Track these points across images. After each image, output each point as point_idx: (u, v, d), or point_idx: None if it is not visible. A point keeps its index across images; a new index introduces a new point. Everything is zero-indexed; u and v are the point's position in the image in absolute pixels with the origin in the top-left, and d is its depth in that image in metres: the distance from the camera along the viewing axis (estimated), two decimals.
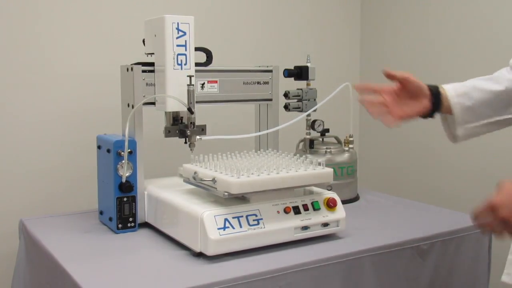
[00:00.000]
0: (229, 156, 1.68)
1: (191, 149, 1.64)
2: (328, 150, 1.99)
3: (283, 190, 1.51)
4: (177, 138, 1.67)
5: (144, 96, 1.65)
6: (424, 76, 2.47)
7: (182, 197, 1.57)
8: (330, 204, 1.56)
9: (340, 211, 1.57)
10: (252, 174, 1.47)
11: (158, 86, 1.66)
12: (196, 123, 1.63)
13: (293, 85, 2.01)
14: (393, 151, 2.64)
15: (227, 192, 1.43)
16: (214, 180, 1.47)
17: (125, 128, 1.57)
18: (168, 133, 1.65)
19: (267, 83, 1.89)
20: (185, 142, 1.65)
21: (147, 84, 1.66)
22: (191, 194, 1.60)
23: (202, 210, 1.41)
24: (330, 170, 1.57)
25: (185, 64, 1.62)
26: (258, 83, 1.87)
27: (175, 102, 1.60)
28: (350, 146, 2.04)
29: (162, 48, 1.61)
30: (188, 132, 1.62)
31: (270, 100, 1.90)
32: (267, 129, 1.90)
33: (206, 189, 1.51)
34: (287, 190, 1.53)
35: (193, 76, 1.61)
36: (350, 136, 2.05)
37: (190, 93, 1.59)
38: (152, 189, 1.68)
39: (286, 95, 1.95)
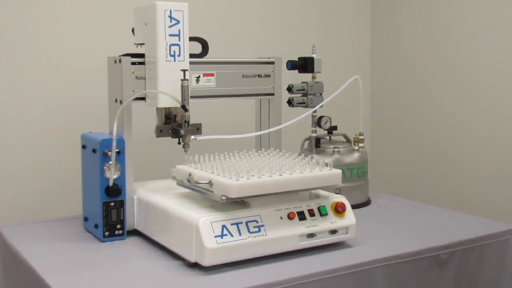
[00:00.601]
0: (227, 156, 1.68)
1: (185, 150, 1.64)
2: (336, 149, 1.98)
3: (287, 194, 1.51)
4: (170, 138, 1.67)
5: (133, 91, 1.64)
6: (440, 68, 2.49)
7: (175, 201, 1.57)
8: (339, 209, 1.55)
9: (350, 216, 1.57)
10: (253, 176, 1.47)
11: (149, 80, 1.65)
12: (191, 121, 1.63)
13: (297, 78, 2.00)
14: (407, 151, 2.64)
15: (225, 196, 1.43)
16: (210, 183, 1.47)
17: (113, 126, 1.56)
18: (159, 132, 1.65)
19: (268, 76, 1.88)
20: (179, 143, 1.65)
21: (136, 78, 1.65)
22: (185, 198, 1.60)
23: (198, 216, 1.41)
24: (339, 171, 1.57)
25: (179, 56, 1.62)
26: (259, 76, 1.87)
27: (168, 98, 1.60)
28: (360, 145, 2.03)
29: (153, 37, 1.61)
30: (182, 132, 1.62)
31: (272, 94, 1.90)
32: (269, 127, 1.89)
33: (201, 193, 1.51)
34: (291, 194, 1.53)
35: (187, 70, 1.61)
36: (361, 134, 2.04)
37: (184, 89, 1.59)
38: (142, 192, 1.68)
39: (289, 89, 1.95)
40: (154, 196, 1.64)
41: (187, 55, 1.63)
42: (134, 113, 1.67)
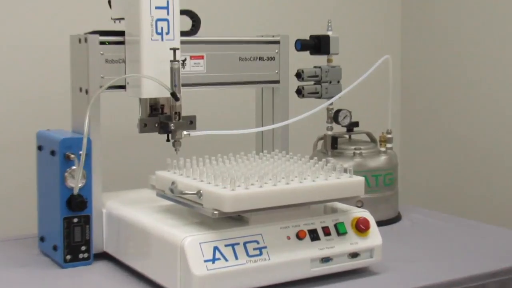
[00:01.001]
0: (220, 159, 1.68)
1: (175, 149, 1.65)
2: (358, 151, 1.98)
3: (296, 208, 1.51)
4: (153, 134, 1.67)
5: (103, 78, 1.64)
6: (475, 47, 2.48)
7: (154, 217, 1.57)
8: (361, 227, 1.55)
9: (375, 236, 1.57)
10: (252, 185, 1.47)
11: (130, 63, 1.66)
12: (183, 113, 1.63)
13: (308, 61, 2.00)
14: (447, 154, 2.64)
15: (217, 210, 1.43)
16: (199, 194, 1.47)
17: (78, 120, 1.55)
18: (144, 127, 1.65)
19: (272, 59, 1.88)
20: (168, 140, 1.65)
21: (107, 61, 1.65)
22: (168, 213, 1.60)
23: (183, 235, 1.41)
24: (361, 179, 1.57)
25: (167, 33, 1.62)
26: (261, 59, 1.86)
27: (154, 86, 1.60)
28: (388, 145, 2.04)
29: (135, 11, 1.61)
30: (172, 126, 1.62)
31: (277, 82, 1.90)
32: (273, 122, 1.89)
33: (188, 206, 1.51)
34: (301, 208, 1.53)
35: (178, 49, 1.61)
36: (388, 132, 2.04)
37: (174, 73, 1.60)
38: (113, 206, 1.68)
39: (299, 75, 1.95)
40: (128, 210, 1.64)
41: (177, 33, 1.63)
42: (104, 105, 1.67)
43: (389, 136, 2.04)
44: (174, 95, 1.59)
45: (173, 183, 1.55)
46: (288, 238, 1.48)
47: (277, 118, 1.89)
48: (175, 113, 1.62)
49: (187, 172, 1.58)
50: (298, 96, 1.96)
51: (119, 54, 1.67)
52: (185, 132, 1.62)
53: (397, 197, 2.06)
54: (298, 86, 1.96)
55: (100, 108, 1.66)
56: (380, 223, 1.74)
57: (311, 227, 1.51)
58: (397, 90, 2.75)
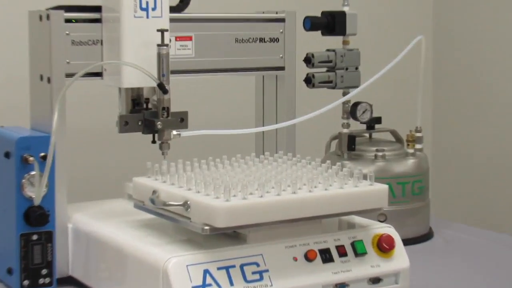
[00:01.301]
0: (211, 163, 1.67)
1: (163, 153, 1.66)
2: (380, 153, 1.98)
3: (304, 223, 1.51)
4: (135, 134, 1.68)
5: (68, 63, 1.65)
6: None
7: (132, 233, 1.57)
8: (384, 246, 1.55)
9: (401, 257, 1.57)
10: (251, 194, 1.46)
11: (107, 45, 1.67)
12: (172, 109, 1.64)
13: (320, 43, 2.00)
14: (489, 157, 2.63)
15: (208, 225, 1.42)
16: (186, 205, 1.46)
17: (53, 115, 1.53)
18: (125, 125, 1.67)
19: (276, 40, 1.88)
20: (154, 141, 1.67)
21: (73, 43, 1.66)
22: (148, 228, 1.60)
23: (167, 256, 1.41)
24: (384, 187, 1.56)
25: (154, 9, 1.64)
26: (262, 40, 1.87)
27: (137, 74, 1.61)
28: (418, 146, 2.03)
29: None
30: (159, 124, 1.63)
31: (282, 69, 1.90)
32: (277, 118, 1.89)
33: (172, 220, 1.51)
34: (311, 223, 1.52)
35: (167, 30, 1.62)
36: (418, 131, 2.04)
37: (162, 59, 1.61)
38: (81, 220, 1.68)
39: (308, 60, 1.95)
40: (99, 225, 1.64)
41: (166, 9, 1.65)
42: (71, 97, 1.68)
43: (418, 135, 2.04)
44: (161, 86, 1.60)
45: (154, 192, 1.54)
46: (295, 259, 1.48)
47: (281, 113, 1.90)
48: (163, 108, 1.63)
49: (172, 178, 1.57)
50: (308, 86, 1.96)
51: (88, 34, 1.67)
52: (174, 132, 1.63)
53: (429, 210, 2.06)
54: (308, 74, 1.96)
55: (66, 100, 1.66)
56: (407, 241, 1.73)
57: (323, 246, 1.51)
58: (428, 79, 2.75)
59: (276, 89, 1.92)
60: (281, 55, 1.89)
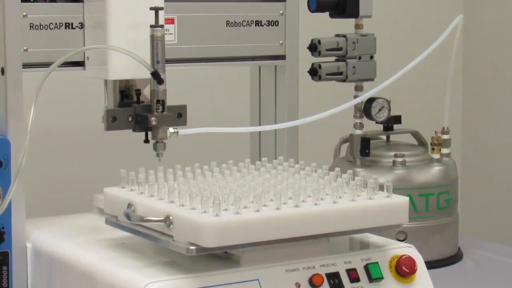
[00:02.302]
0: (198, 171, 1.68)
1: (158, 154, 1.68)
2: (400, 159, 1.99)
3: (308, 242, 1.51)
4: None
5: (26, 50, 1.66)
6: None
7: (103, 254, 1.57)
8: (404, 270, 1.55)
9: (424, 283, 1.57)
10: (245, 208, 1.47)
11: (91, 29, 1.69)
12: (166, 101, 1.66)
13: (328, 27, 2.01)
14: None
15: (194, 244, 1.43)
16: (167, 221, 1.47)
17: (7, 115, 1.55)
18: (112, 121, 1.68)
19: (275, 23, 1.89)
20: (146, 140, 1.68)
21: (31, 27, 1.67)
22: (122, 249, 1.61)
23: (145, 281, 1.41)
24: (404, 200, 1.57)
25: None
26: (258, 24, 1.87)
27: (127, 63, 1.62)
28: (444, 151, 2.04)
29: None
30: (154, 120, 1.65)
31: (283, 58, 1.91)
32: (276, 115, 1.91)
33: (152, 239, 1.51)
34: (317, 242, 1.53)
35: (161, 8, 1.63)
36: (445, 132, 2.05)
37: (156, 44, 1.62)
38: (42, 238, 1.68)
39: (314, 47, 1.95)
40: (64, 244, 1.64)
41: None
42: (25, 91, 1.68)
43: (445, 137, 2.05)
44: (156, 75, 1.61)
45: (129, 205, 1.55)
46: (298, 285, 1.48)
47: (281, 111, 1.91)
48: (158, 101, 1.64)
49: (151, 189, 1.58)
50: (313, 79, 1.97)
51: (50, 16, 1.69)
52: (171, 130, 1.64)
53: (457, 226, 2.06)
54: (313, 64, 1.96)
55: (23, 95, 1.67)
56: (431, 264, 1.74)
57: (331, 269, 1.52)
58: (458, 71, 2.75)
59: (275, 82, 1.93)
60: (281, 42, 1.90)
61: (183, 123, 1.70)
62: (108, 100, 1.71)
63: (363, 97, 1.79)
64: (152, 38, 1.62)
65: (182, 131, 1.63)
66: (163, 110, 1.65)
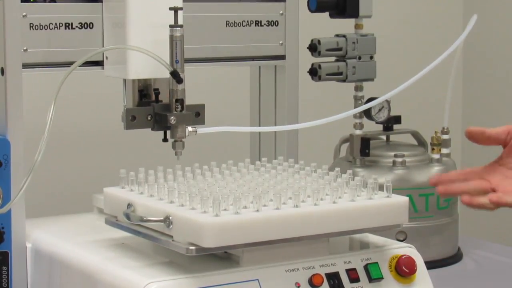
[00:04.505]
0: (197, 171, 1.68)
1: (176, 153, 1.68)
2: (400, 159, 1.99)
3: (308, 242, 1.52)
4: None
5: (26, 51, 1.66)
6: None
7: (103, 254, 1.57)
8: (404, 270, 1.55)
9: (424, 283, 1.57)
10: (245, 208, 1.47)
11: (109, 29, 1.69)
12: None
13: (328, 27, 2.01)
14: None
15: (194, 244, 1.43)
16: (167, 221, 1.47)
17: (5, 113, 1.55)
18: (132, 120, 1.68)
19: (275, 23, 1.89)
20: (165, 139, 1.69)
21: (31, 27, 1.67)
22: (122, 249, 1.61)
23: (145, 281, 1.41)
24: (404, 200, 1.57)
25: None
26: (258, 24, 1.87)
27: (146, 63, 1.63)
28: (444, 151, 2.04)
29: None
30: (173, 120, 1.65)
31: (282, 58, 1.91)
32: (276, 115, 1.91)
33: (152, 239, 1.51)
34: (317, 242, 1.53)
35: (181, 8, 1.63)
36: (445, 132, 2.05)
37: (175, 43, 1.63)
38: (42, 239, 1.68)
39: (314, 47, 1.96)
40: (64, 244, 1.64)
41: None
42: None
43: (445, 137, 2.05)
44: (175, 74, 1.62)
45: (129, 205, 1.55)
46: (298, 285, 1.48)
47: (281, 111, 1.91)
48: (177, 100, 1.65)
49: (150, 189, 1.58)
50: (313, 79, 1.97)
51: (49, 16, 1.68)
52: (190, 129, 1.64)
53: (457, 227, 2.06)
54: (313, 64, 1.96)
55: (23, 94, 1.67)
56: (431, 264, 1.74)
57: (331, 269, 1.52)
58: (458, 72, 2.74)
59: (275, 82, 1.93)
60: (281, 42, 1.90)
61: (201, 122, 1.71)
62: (127, 99, 1.71)
63: (376, 102, 1.78)
64: (171, 38, 1.63)
65: (201, 130, 1.64)
66: (182, 109, 1.65)
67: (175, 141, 1.67)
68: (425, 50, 2.45)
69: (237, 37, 1.85)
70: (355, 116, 2.01)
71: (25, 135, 1.68)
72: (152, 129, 1.69)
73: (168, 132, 1.68)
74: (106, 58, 1.71)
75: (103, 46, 1.71)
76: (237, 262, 1.49)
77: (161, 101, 1.71)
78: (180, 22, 1.63)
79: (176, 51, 1.63)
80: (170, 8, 1.62)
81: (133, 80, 1.70)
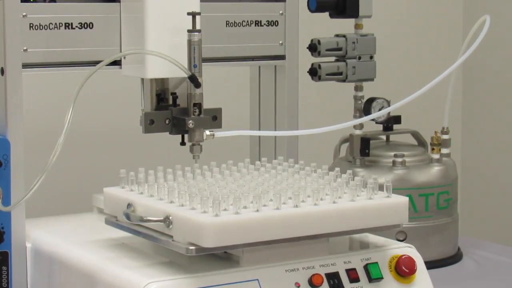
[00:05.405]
0: (197, 171, 1.68)
1: (194, 156, 1.69)
2: (399, 159, 1.99)
3: (308, 242, 1.52)
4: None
5: (25, 50, 1.66)
6: None
7: (103, 254, 1.57)
8: (404, 270, 1.56)
9: (424, 283, 1.57)
10: (245, 208, 1.47)
11: (127, 30, 1.70)
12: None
13: (328, 27, 2.01)
14: None
15: (194, 244, 1.43)
16: (167, 221, 1.47)
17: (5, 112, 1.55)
18: (150, 124, 1.69)
19: (275, 23, 1.89)
20: (183, 143, 1.69)
21: (31, 27, 1.67)
22: (122, 249, 1.61)
23: (145, 281, 1.41)
24: (404, 200, 1.57)
25: None
26: (258, 24, 1.88)
27: (164, 62, 1.63)
28: (444, 151, 2.04)
29: None
30: (191, 123, 1.66)
31: (282, 58, 1.91)
32: (275, 119, 1.90)
33: (151, 239, 1.51)
34: (316, 242, 1.53)
35: (199, 13, 1.64)
36: (445, 132, 2.05)
37: (193, 48, 1.63)
38: (42, 239, 1.68)
39: (314, 48, 1.96)
40: (64, 244, 1.64)
41: None
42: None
43: (445, 137, 2.05)
44: (193, 79, 1.63)
45: (129, 205, 1.55)
46: (297, 285, 1.48)
47: (281, 111, 1.91)
48: (194, 104, 1.65)
49: (150, 189, 1.58)
50: (313, 79, 1.97)
51: (49, 16, 1.68)
52: (207, 132, 1.66)
53: (457, 227, 2.06)
54: (313, 64, 1.96)
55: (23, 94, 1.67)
56: (431, 264, 1.74)
57: (331, 269, 1.52)
58: (458, 72, 2.74)
59: (275, 82, 1.93)
60: (281, 42, 1.90)
61: (218, 125, 1.71)
62: (145, 103, 1.72)
63: (384, 111, 1.78)
64: (189, 42, 1.63)
65: (218, 133, 1.65)
66: (199, 113, 1.66)
67: (193, 144, 1.68)
68: (425, 50, 2.46)
69: (237, 37, 1.86)
70: (355, 116, 2.02)
71: (25, 135, 1.68)
72: (170, 133, 1.70)
73: (186, 135, 1.69)
74: (124, 57, 1.72)
75: (120, 45, 1.73)
76: (237, 262, 1.49)
77: (179, 105, 1.71)
78: (198, 27, 1.64)
79: (194, 55, 1.63)
80: (188, 13, 1.63)
81: (151, 84, 1.71)
